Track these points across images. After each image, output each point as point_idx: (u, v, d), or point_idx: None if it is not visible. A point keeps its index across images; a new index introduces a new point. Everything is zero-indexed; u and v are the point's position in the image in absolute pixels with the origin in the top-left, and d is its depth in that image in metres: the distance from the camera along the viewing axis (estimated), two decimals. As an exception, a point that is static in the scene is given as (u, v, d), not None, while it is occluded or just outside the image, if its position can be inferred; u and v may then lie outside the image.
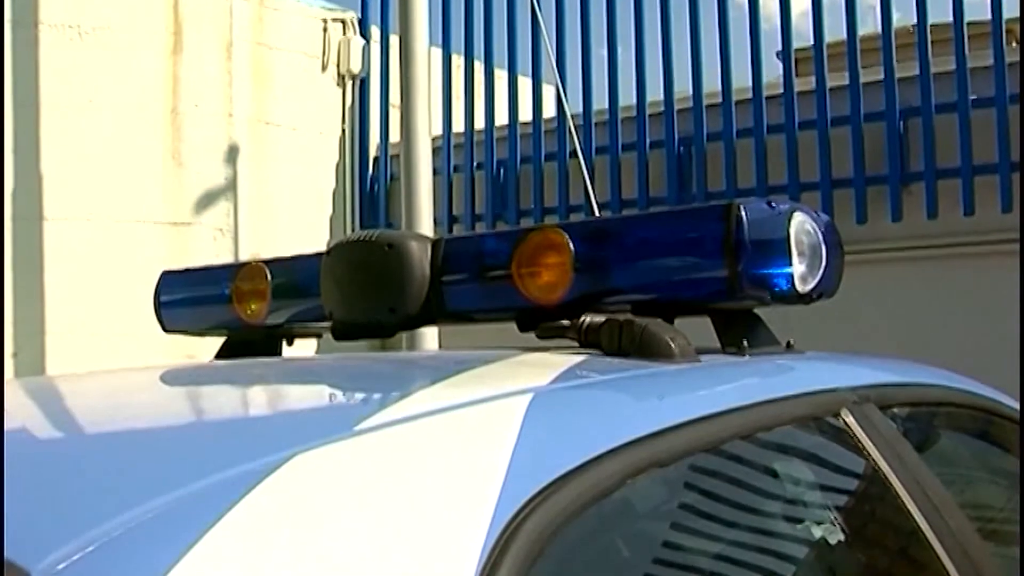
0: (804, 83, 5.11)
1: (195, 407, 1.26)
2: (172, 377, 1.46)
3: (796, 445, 1.28)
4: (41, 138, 5.33)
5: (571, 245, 1.41)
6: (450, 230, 5.89)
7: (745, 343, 1.39)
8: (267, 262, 1.77)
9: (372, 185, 6.37)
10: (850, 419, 1.27)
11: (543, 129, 5.75)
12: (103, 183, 5.43)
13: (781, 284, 1.35)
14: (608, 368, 1.23)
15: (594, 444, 0.90)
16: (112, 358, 5.09)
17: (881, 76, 4.88)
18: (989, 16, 4.71)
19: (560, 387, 1.09)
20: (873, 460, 1.26)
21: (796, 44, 5.24)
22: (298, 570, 0.65)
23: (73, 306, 5.31)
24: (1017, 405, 1.75)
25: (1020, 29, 4.59)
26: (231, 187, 5.76)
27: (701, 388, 1.21)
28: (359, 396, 1.25)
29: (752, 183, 5.09)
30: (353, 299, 1.60)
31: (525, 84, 5.89)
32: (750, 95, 5.18)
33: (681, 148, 5.36)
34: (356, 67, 6.35)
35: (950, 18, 4.77)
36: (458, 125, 6.06)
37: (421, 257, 1.54)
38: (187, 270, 2.00)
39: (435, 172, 4.79)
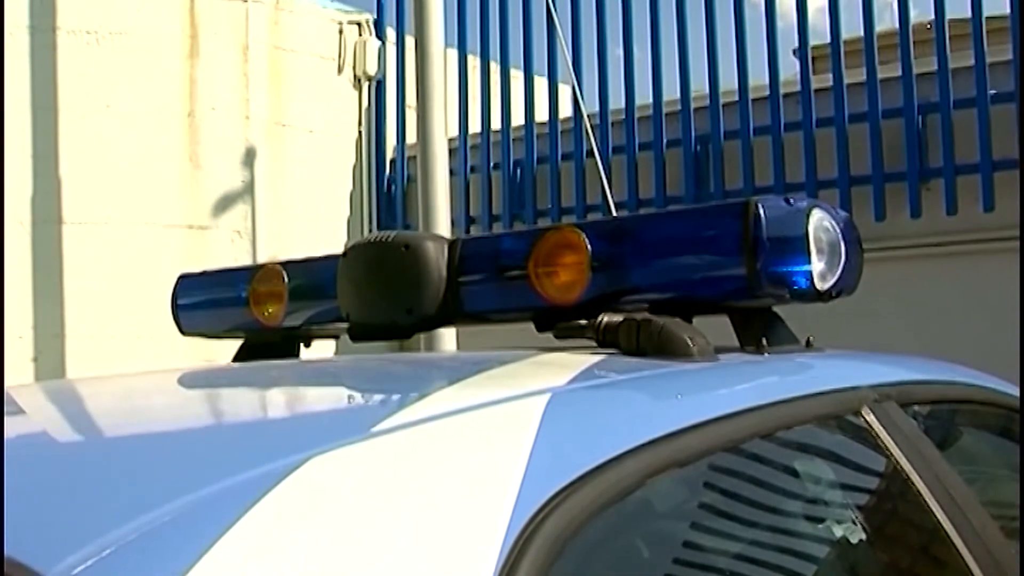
0: (821, 80, 5.09)
1: (212, 410, 1.26)
2: (190, 380, 1.47)
3: (816, 444, 1.27)
4: (59, 142, 5.36)
5: (588, 244, 1.40)
6: (467, 231, 5.89)
7: (764, 341, 1.38)
8: (284, 264, 1.77)
9: (389, 186, 6.38)
10: (871, 417, 1.26)
11: (560, 129, 5.75)
12: (121, 187, 5.46)
13: (800, 282, 1.34)
14: (626, 368, 1.22)
15: (613, 444, 0.89)
16: (131, 361, 5.11)
17: (899, 72, 4.85)
18: (1008, 10, 4.67)
19: (578, 387, 1.08)
20: (894, 458, 1.25)
21: (813, 41, 5.22)
22: (315, 572, 0.65)
23: (92, 309, 5.34)
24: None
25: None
26: (248, 189, 5.78)
27: (720, 387, 1.20)
28: (376, 397, 1.25)
29: (770, 181, 5.07)
30: (370, 300, 1.60)
31: (541, 84, 5.89)
32: (767, 93, 5.16)
33: (698, 146, 5.34)
34: (372, 69, 6.35)
35: (968, 13, 4.74)
36: (474, 126, 6.06)
37: (438, 258, 1.54)
38: (204, 273, 2.00)
39: (452, 173, 4.79)
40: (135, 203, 5.48)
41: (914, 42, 4.83)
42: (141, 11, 5.58)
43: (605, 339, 1.34)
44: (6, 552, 0.62)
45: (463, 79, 6.09)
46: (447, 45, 4.75)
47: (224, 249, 5.66)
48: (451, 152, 4.83)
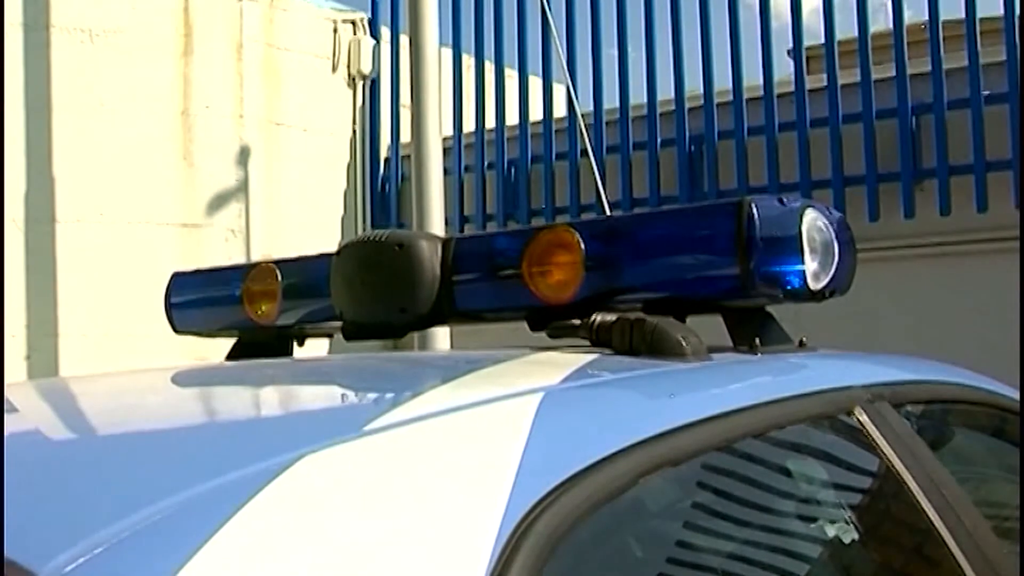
0: (815, 80, 5.10)
1: (205, 408, 1.26)
2: (182, 378, 1.46)
3: (809, 444, 1.27)
4: (53, 140, 5.34)
5: (582, 244, 1.40)
6: (461, 230, 5.89)
7: (757, 341, 1.38)
8: (278, 262, 1.77)
9: (383, 185, 6.37)
10: (863, 417, 1.27)
11: (554, 128, 5.75)
12: (115, 185, 5.44)
13: (793, 281, 1.34)
14: (619, 367, 1.22)
15: (605, 443, 0.89)
16: (124, 359, 5.10)
17: (893, 73, 4.86)
18: (1001, 11, 4.68)
19: (571, 386, 1.08)
20: (887, 458, 1.25)
21: (807, 42, 5.23)
22: (307, 571, 0.65)
23: (85, 308, 5.33)
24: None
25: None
26: (242, 188, 5.77)
27: (713, 387, 1.20)
28: (369, 396, 1.25)
29: (764, 181, 5.07)
30: (364, 299, 1.59)
31: (535, 83, 5.89)
32: (761, 93, 5.17)
33: (692, 146, 5.35)
34: (367, 68, 6.35)
35: (962, 14, 4.75)
36: (469, 125, 6.06)
37: (432, 257, 1.54)
38: (198, 271, 2.00)
39: (446, 172, 4.79)
40: (129, 201, 5.47)
41: (908, 43, 4.83)
42: (135, 9, 5.57)
43: (598, 338, 1.34)
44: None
45: (457, 78, 6.09)
46: (442, 44, 4.74)
47: (218, 247, 5.65)
48: (445, 151, 4.83)
